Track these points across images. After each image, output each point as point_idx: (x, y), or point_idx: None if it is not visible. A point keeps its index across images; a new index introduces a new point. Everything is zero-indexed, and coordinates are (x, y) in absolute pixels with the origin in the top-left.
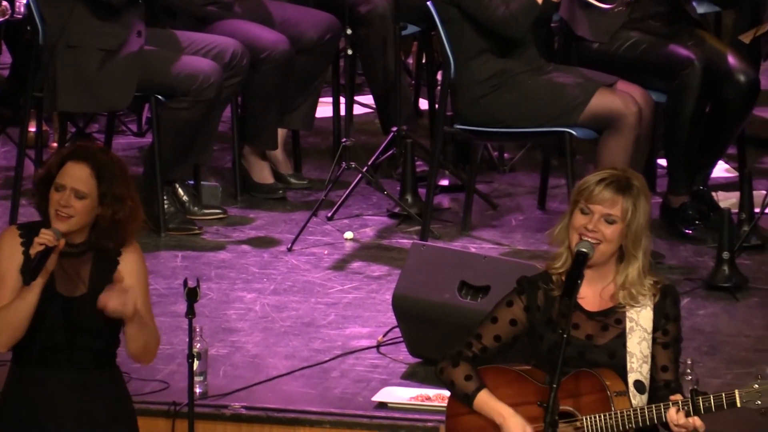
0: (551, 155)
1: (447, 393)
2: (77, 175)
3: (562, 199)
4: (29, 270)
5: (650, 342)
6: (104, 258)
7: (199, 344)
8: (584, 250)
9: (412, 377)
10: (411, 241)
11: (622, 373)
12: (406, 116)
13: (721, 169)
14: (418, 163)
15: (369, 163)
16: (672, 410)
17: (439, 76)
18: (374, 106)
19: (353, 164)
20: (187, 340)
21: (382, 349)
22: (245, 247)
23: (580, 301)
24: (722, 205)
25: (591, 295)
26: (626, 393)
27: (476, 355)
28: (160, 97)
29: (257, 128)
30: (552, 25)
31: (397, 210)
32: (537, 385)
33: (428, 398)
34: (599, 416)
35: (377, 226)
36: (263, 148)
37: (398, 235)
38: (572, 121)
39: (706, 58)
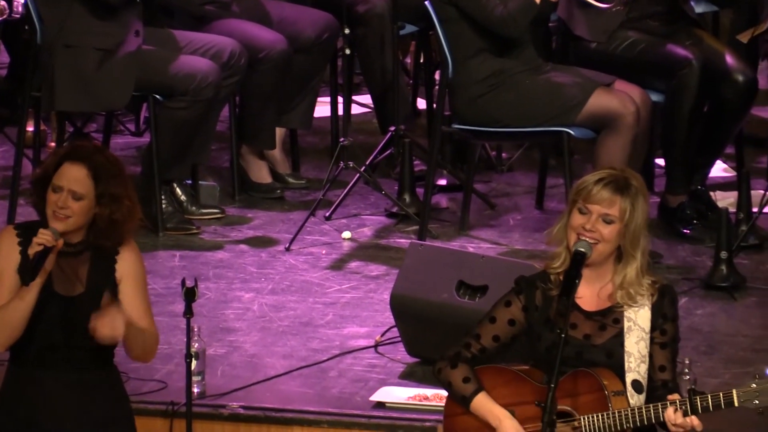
0: (549, 155)
1: (445, 393)
2: (74, 176)
3: (560, 199)
4: (28, 270)
5: (648, 342)
6: (102, 257)
7: (197, 344)
8: (582, 249)
9: (410, 377)
10: (409, 241)
11: (620, 373)
12: (404, 116)
13: (719, 169)
14: (416, 162)
15: (367, 162)
16: (670, 410)
17: (437, 76)
18: (372, 105)
19: (351, 164)
20: (185, 339)
21: (380, 348)
22: (243, 246)
23: (578, 301)
24: (720, 204)
25: (589, 295)
26: (624, 393)
27: (475, 356)
28: (158, 96)
29: (255, 128)
30: (550, 24)
31: (395, 209)
32: (535, 384)
33: (426, 398)
34: (597, 416)
35: (375, 225)
36: (261, 148)
37: (396, 234)
38: (570, 120)
39: (704, 58)
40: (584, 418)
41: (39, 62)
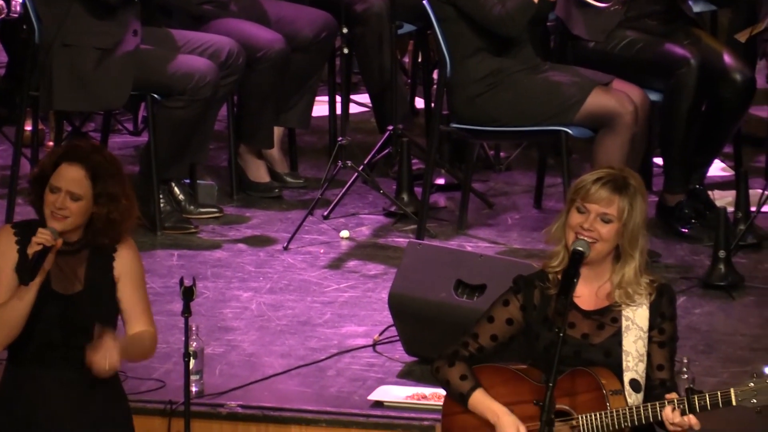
0: (547, 154)
1: (443, 392)
2: (72, 177)
3: (558, 198)
4: (27, 270)
5: (646, 341)
6: (99, 255)
7: (195, 343)
8: (580, 248)
9: (408, 376)
10: (407, 240)
11: (618, 372)
12: (402, 115)
13: (717, 168)
14: (414, 161)
15: (365, 161)
16: (667, 409)
17: (435, 75)
18: (370, 104)
19: (349, 163)
20: (183, 338)
21: (378, 347)
22: (241, 245)
23: (576, 300)
24: (718, 203)
25: (587, 294)
26: (622, 392)
27: (472, 355)
28: (156, 96)
29: (253, 127)
30: (548, 23)
31: (393, 209)
32: (533, 383)
33: (424, 397)
34: (595, 415)
35: (373, 224)
36: (259, 147)
37: (394, 233)
38: (568, 119)
39: (702, 57)
40: (582, 417)
41: (37, 61)
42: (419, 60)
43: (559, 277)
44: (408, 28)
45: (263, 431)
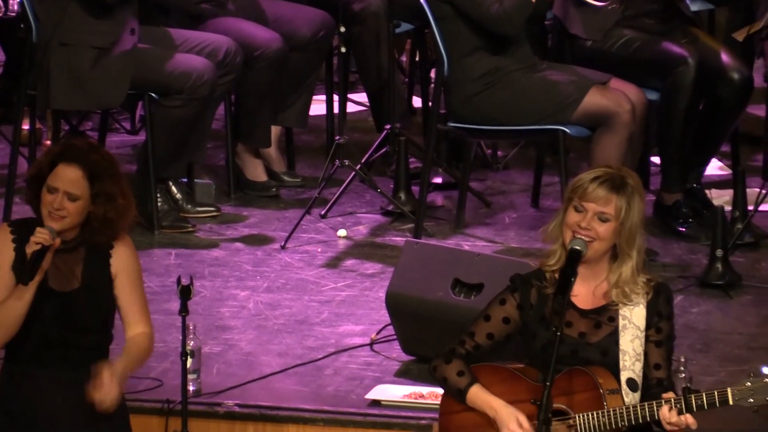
0: (545, 153)
1: (440, 391)
2: (70, 178)
3: (555, 197)
4: (26, 270)
5: (643, 340)
6: (96, 252)
7: (192, 342)
8: (578, 247)
9: (405, 375)
10: (404, 239)
11: (615, 371)
12: (399, 114)
13: (715, 167)
14: (411, 160)
15: (362, 160)
16: (664, 408)
17: (432, 74)
18: (368, 103)
19: (347, 162)
20: (181, 337)
21: (376, 346)
22: (239, 244)
23: (573, 299)
24: (716, 202)
25: (584, 293)
26: (619, 391)
27: (469, 353)
28: (153, 95)
29: (251, 126)
30: (546, 22)
31: (390, 208)
32: (530, 383)
33: (421, 396)
34: (592, 414)
35: (371, 223)
36: (257, 146)
37: (391, 232)
38: (566, 118)
39: (700, 56)
40: (579, 417)
41: (35, 60)
42: (417, 59)
43: (556, 276)
44: (405, 27)
45: (260, 430)
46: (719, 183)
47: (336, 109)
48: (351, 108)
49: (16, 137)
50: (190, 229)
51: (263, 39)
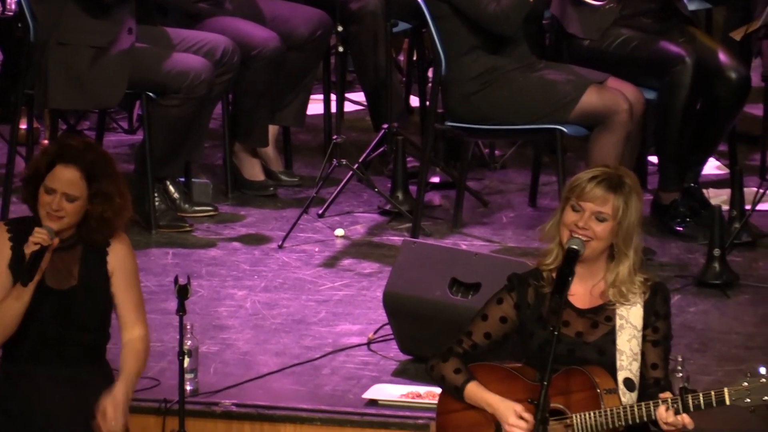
0: (542, 152)
1: (438, 390)
2: (68, 179)
3: (553, 197)
4: (26, 271)
5: (640, 339)
6: (93, 250)
7: (189, 341)
8: (575, 247)
9: (402, 374)
10: (402, 238)
11: (612, 371)
12: (397, 113)
13: (712, 166)
14: (409, 160)
15: (360, 160)
16: (661, 408)
17: (430, 73)
18: (365, 103)
19: (344, 161)
20: (178, 337)
21: (373, 346)
22: (236, 244)
23: (571, 299)
24: (713, 202)
25: (581, 293)
26: (616, 391)
27: (467, 352)
28: (151, 94)
29: (248, 125)
30: (543, 22)
31: (387, 207)
32: (527, 382)
33: (419, 395)
34: (589, 414)
35: (368, 223)
36: (254, 146)
37: (389, 232)
38: (563, 118)
39: (697, 55)
40: (576, 416)
41: (32, 60)
42: (414, 58)
43: (554, 275)
44: (403, 26)
45: (258, 430)
46: (717, 182)
47: (333, 109)
48: (348, 107)
49: (13, 136)
50: (188, 229)
51: (260, 38)
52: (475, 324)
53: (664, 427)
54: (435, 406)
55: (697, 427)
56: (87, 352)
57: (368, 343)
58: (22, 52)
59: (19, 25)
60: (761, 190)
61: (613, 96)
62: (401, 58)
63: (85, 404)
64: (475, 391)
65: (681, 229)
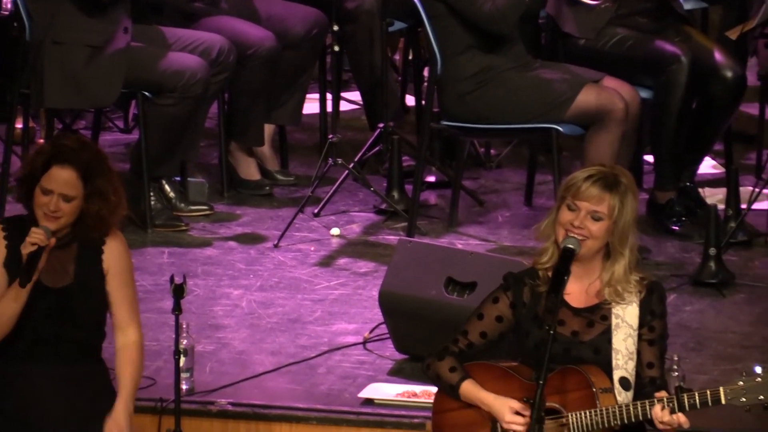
0: (538, 152)
1: (434, 389)
2: (64, 180)
3: (548, 196)
4: (24, 272)
5: (636, 339)
6: (89, 248)
7: (185, 341)
8: (571, 246)
9: (398, 373)
10: (397, 238)
11: (608, 370)
12: (392, 112)
13: (708, 165)
14: (404, 159)
15: (356, 159)
16: (657, 407)
17: (425, 73)
18: (361, 102)
19: (340, 160)
20: (174, 336)
21: (369, 345)
22: (232, 243)
23: (566, 298)
24: (709, 201)
25: (577, 292)
26: (612, 390)
27: (462, 351)
28: (146, 93)
29: (244, 125)
30: (539, 21)
31: (383, 206)
32: (523, 381)
33: (415, 394)
34: (585, 413)
35: (364, 222)
36: (250, 145)
37: (385, 231)
38: (559, 117)
39: (693, 54)
40: (572, 415)
41: (28, 59)
42: (410, 57)
43: (549, 274)
44: (399, 25)
45: (253, 429)
46: (712, 181)
47: (329, 108)
48: (344, 106)
49: (9, 136)
50: (184, 228)
51: (256, 37)
52: (470, 323)
53: (660, 426)
54: (431, 405)
55: (692, 426)
56: (82, 350)
57: (364, 342)
58: (17, 51)
59: (15, 24)
60: (757, 189)
61: (609, 95)
62: (397, 57)
63: (80, 402)
64: (470, 389)
65: (677, 228)
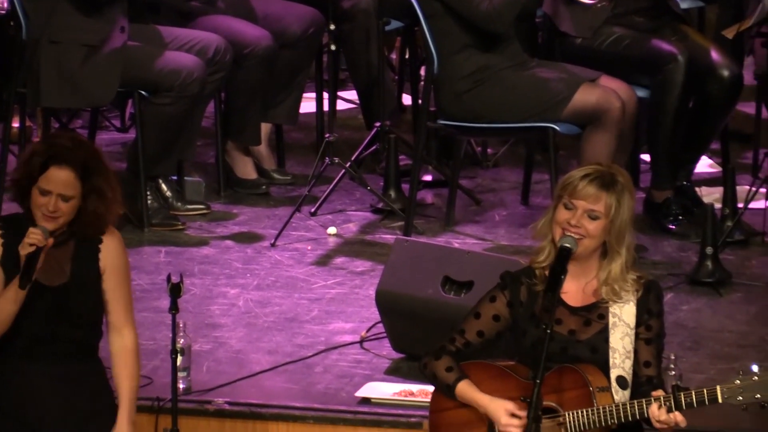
0: (535, 151)
1: (430, 388)
2: (63, 181)
3: (545, 195)
4: (23, 274)
5: (633, 337)
6: (85, 246)
7: (182, 340)
8: (568, 245)
9: (395, 373)
10: (394, 237)
11: (605, 369)
12: (389, 111)
13: (705, 164)
14: (401, 158)
15: (352, 158)
16: (654, 406)
17: (422, 72)
18: (358, 101)
19: (336, 159)
20: (171, 335)
21: (366, 344)
22: (228, 242)
23: (563, 296)
24: (705, 200)
25: (574, 290)
26: (608, 389)
27: (459, 350)
28: (143, 92)
29: (240, 124)
30: (536, 20)
31: (380, 205)
32: (520, 380)
33: (412, 393)
34: (582, 412)
35: (360, 221)
36: (247, 144)
37: (381, 230)
38: (555, 116)
39: (690, 54)
40: (569, 414)
41: (24, 58)
42: (406, 56)
43: (546, 273)
44: (395, 24)
45: (250, 428)
46: (709, 180)
47: (326, 107)
48: (341, 105)
49: (6, 135)
50: (180, 227)
51: (253, 36)
52: (467, 322)
53: (657, 425)
54: (428, 404)
55: (689, 424)
56: (79, 349)
57: (361, 341)
58: (14, 50)
59: (11, 23)
60: (753, 189)
61: (606, 94)
62: (393, 56)
63: (77, 401)
64: (466, 390)
65: (674, 227)
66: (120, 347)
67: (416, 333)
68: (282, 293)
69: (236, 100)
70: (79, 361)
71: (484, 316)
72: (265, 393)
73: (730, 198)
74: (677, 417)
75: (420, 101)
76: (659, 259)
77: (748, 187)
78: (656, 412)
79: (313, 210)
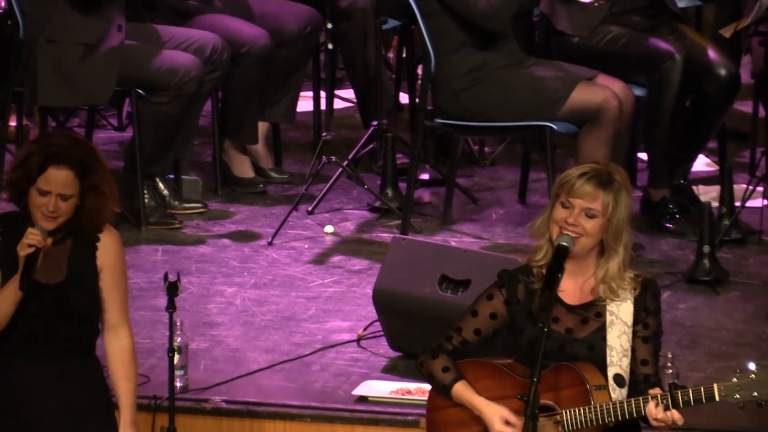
0: (531, 149)
1: (427, 387)
2: (61, 181)
3: (542, 193)
4: (23, 276)
5: (630, 336)
6: (83, 245)
7: (179, 338)
8: (565, 243)
9: (392, 371)
10: (391, 235)
11: (602, 367)
12: (386, 110)
13: (702, 163)
14: (398, 157)
15: (349, 157)
16: (651, 404)
17: (419, 70)
18: (355, 100)
19: (334, 158)
20: (168, 334)
21: (363, 342)
22: (226, 241)
23: (561, 295)
24: (703, 198)
25: (571, 289)
26: (606, 387)
27: (456, 348)
28: (140, 91)
29: (238, 123)
30: (533, 18)
31: (377, 204)
32: (517, 378)
33: (409, 392)
34: (579, 410)
35: (358, 220)
36: (244, 143)
37: (379, 229)
38: (552, 115)
39: (687, 52)
40: (566, 413)
41: (21, 57)
42: (404, 55)
43: (544, 271)
44: (393, 23)
45: (247, 426)
46: (706, 179)
47: (323, 106)
48: (338, 104)
49: (3, 134)
50: (177, 226)
51: (250, 35)
52: (464, 320)
53: (654, 423)
54: (425, 402)
55: (686, 423)
56: (76, 347)
57: (358, 340)
58: (11, 49)
59: (9, 22)
60: (750, 187)
61: (603, 93)
62: (391, 55)
63: (75, 399)
64: (462, 391)
65: (671, 225)
66: (117, 347)
67: (413, 331)
68: (279, 292)
69: (233, 98)
70: (76, 359)
71: (482, 314)
72: (262, 391)
73: (727, 196)
74: (674, 415)
75: (417, 100)
76: (656, 258)
77: (745, 186)
78: (653, 410)
79: (310, 209)
